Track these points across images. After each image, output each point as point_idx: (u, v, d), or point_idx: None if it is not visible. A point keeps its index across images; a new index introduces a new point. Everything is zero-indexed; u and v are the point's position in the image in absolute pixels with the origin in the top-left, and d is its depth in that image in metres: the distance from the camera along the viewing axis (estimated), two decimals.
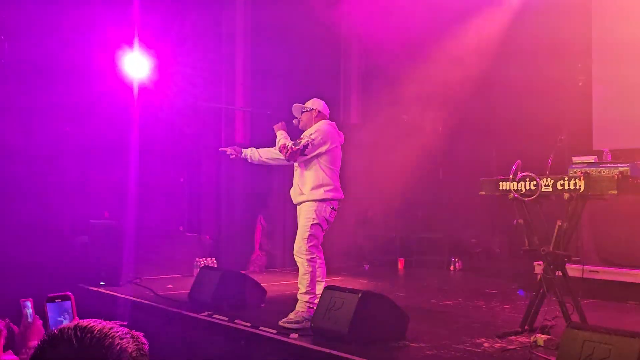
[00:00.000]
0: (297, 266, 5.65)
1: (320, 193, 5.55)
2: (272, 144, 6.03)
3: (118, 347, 1.31)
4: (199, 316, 6.03)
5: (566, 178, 4.97)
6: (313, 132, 5.61)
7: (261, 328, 5.41)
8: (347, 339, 4.85)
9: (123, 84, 8.26)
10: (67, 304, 2.24)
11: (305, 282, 5.52)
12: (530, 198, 5.11)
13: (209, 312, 6.07)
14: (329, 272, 6.17)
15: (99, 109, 8.31)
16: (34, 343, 2.38)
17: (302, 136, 5.63)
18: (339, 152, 5.75)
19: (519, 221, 5.27)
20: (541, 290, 5.18)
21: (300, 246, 5.54)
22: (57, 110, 8.09)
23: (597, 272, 6.97)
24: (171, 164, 9.28)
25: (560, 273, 5.14)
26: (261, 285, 6.84)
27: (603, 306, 6.62)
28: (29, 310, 2.44)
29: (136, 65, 8.32)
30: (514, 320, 5.60)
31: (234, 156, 6.09)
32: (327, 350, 4.72)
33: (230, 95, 10.02)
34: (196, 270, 8.44)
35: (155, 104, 8.62)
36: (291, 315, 5.51)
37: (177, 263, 9.01)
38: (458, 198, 9.51)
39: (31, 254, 7.41)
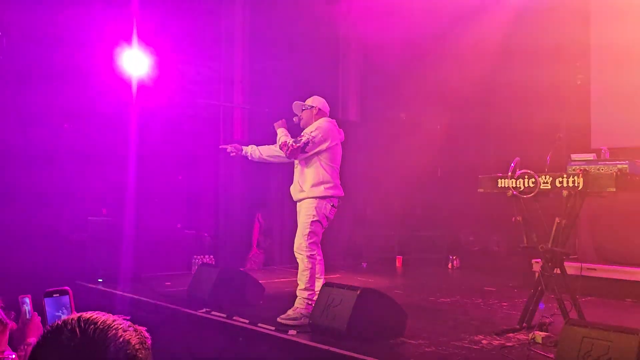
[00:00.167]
0: (295, 263, 5.67)
1: (320, 190, 5.56)
2: (270, 141, 6.03)
3: (121, 338, 1.32)
4: (197, 313, 6.03)
5: (565, 175, 4.97)
6: (313, 129, 5.62)
7: (259, 325, 5.42)
8: (345, 336, 4.85)
9: (121, 82, 8.24)
10: (65, 298, 2.23)
11: (305, 279, 5.52)
12: (529, 195, 5.11)
13: (207, 309, 6.07)
14: (327, 269, 6.17)
15: (97, 106, 8.29)
16: (32, 339, 2.38)
17: (302, 134, 5.64)
18: (339, 149, 5.77)
19: (518, 218, 5.27)
20: (539, 288, 5.18)
21: (300, 243, 5.55)
22: (55, 108, 8.07)
23: (595, 269, 6.98)
24: (169, 161, 9.26)
25: (558, 270, 5.14)
26: (259, 282, 6.84)
27: (601, 304, 6.63)
28: (27, 307, 2.43)
29: (135, 62, 8.30)
30: (512, 318, 5.61)
31: (234, 154, 6.10)
32: (326, 347, 4.72)
33: (228, 93, 10.00)
34: (194, 268, 8.46)
35: (154, 102, 8.60)
36: (289, 312, 5.52)
37: (175, 260, 9.01)
38: (456, 196, 9.51)
39: (29, 251, 7.40)
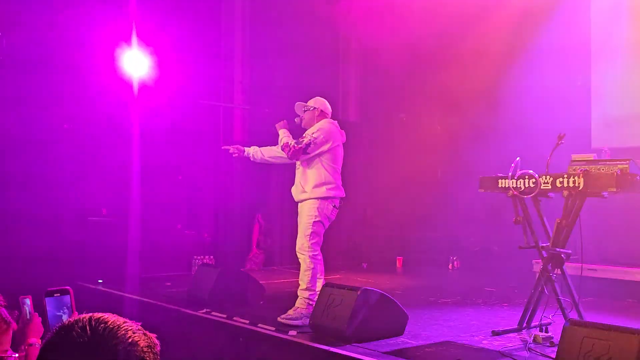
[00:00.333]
0: (295, 264, 5.68)
1: (322, 191, 5.58)
2: (271, 141, 6.03)
3: (130, 339, 1.35)
4: (197, 313, 6.03)
5: (565, 175, 4.97)
6: (315, 130, 5.63)
7: (260, 325, 5.41)
8: (345, 336, 4.85)
9: (122, 82, 8.24)
10: (66, 298, 2.23)
11: (307, 279, 5.53)
12: (529, 195, 5.11)
13: (208, 310, 6.07)
14: (328, 270, 6.17)
15: (97, 107, 8.29)
16: (33, 340, 2.38)
17: (304, 135, 5.65)
18: (341, 150, 5.79)
19: (518, 219, 5.27)
20: (540, 288, 5.18)
21: (302, 243, 5.56)
22: (56, 108, 8.07)
23: (595, 270, 6.98)
24: (169, 162, 9.25)
25: (559, 271, 5.14)
26: (259, 283, 6.84)
27: (601, 304, 6.63)
28: (28, 308, 2.43)
29: (135, 63, 8.30)
30: (513, 318, 5.60)
31: (236, 155, 6.10)
32: (326, 348, 4.72)
33: (229, 93, 10.01)
34: (194, 268, 8.46)
35: (154, 102, 8.60)
36: (290, 312, 5.52)
37: (175, 261, 9.01)
38: (457, 196, 9.50)
39: (29, 252, 7.40)
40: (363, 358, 4.42)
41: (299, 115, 5.93)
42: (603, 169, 4.93)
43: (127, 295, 7.14)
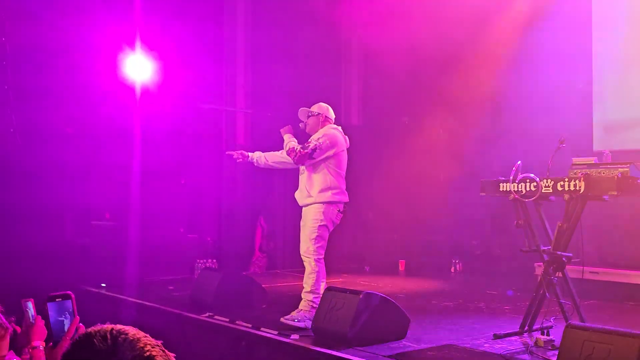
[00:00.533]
0: (298, 267, 5.70)
1: (328, 195, 5.61)
2: (273, 145, 6.06)
3: (148, 353, 1.38)
4: (200, 317, 6.05)
5: (566, 179, 4.98)
6: (321, 136, 5.67)
7: (262, 329, 5.43)
8: (348, 340, 4.86)
9: (125, 86, 8.27)
10: (68, 303, 2.25)
11: (311, 282, 5.56)
12: (531, 199, 5.12)
13: (210, 314, 6.08)
14: (330, 273, 6.18)
15: (100, 111, 8.32)
16: (36, 342, 2.40)
17: (309, 140, 5.69)
18: (345, 156, 5.83)
19: (520, 222, 5.28)
20: (541, 291, 5.19)
21: (308, 246, 5.59)
22: (59, 111, 8.09)
23: (597, 273, 6.97)
24: (172, 166, 9.27)
25: (560, 274, 5.15)
26: (262, 286, 6.86)
27: (603, 307, 6.63)
28: (31, 311, 2.45)
29: (138, 67, 8.33)
30: (514, 322, 5.61)
31: (240, 160, 6.12)
32: (328, 351, 4.73)
33: (231, 97, 10.03)
34: (197, 272, 8.47)
35: (157, 106, 8.63)
36: (293, 314, 5.53)
37: (178, 264, 9.02)
38: (459, 199, 9.50)
39: (31, 255, 7.41)
40: None
41: (302, 121, 5.95)
42: (604, 173, 4.94)
43: (130, 299, 7.15)
